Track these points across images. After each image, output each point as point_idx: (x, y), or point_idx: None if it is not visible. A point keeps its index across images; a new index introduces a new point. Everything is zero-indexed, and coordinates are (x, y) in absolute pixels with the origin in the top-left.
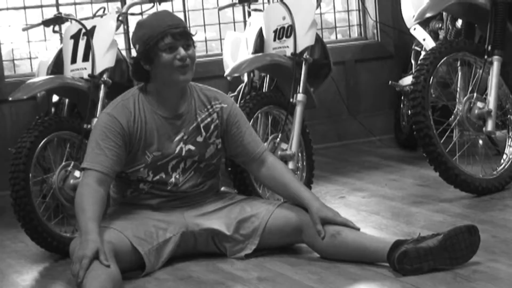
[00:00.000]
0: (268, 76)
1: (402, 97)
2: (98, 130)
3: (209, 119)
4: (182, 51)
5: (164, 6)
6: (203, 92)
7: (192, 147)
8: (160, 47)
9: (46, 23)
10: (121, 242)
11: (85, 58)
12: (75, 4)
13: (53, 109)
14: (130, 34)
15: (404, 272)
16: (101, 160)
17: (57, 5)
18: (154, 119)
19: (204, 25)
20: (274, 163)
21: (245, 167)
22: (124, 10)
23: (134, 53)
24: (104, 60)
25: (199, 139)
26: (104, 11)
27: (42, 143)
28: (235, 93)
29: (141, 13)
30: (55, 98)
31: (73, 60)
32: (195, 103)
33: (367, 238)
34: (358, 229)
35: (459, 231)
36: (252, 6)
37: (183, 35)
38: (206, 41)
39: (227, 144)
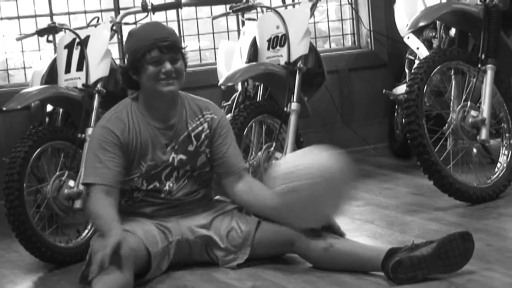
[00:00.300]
0: (262, 85)
1: (396, 106)
2: (95, 144)
3: (200, 128)
4: (168, 65)
5: (158, 16)
6: (194, 102)
7: (184, 157)
8: (146, 60)
9: (40, 32)
10: (139, 247)
11: (79, 68)
12: (69, 13)
13: (47, 119)
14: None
15: (399, 281)
16: (103, 172)
17: (51, 14)
18: (147, 129)
19: (198, 34)
20: (253, 180)
21: (220, 180)
22: (118, 19)
23: None
24: (98, 69)
25: (190, 148)
26: (98, 21)
27: (36, 153)
28: (229, 102)
29: (135, 23)
30: (49, 107)
31: (67, 70)
32: (186, 113)
33: (361, 247)
34: (344, 235)
35: (452, 238)
36: (246, 15)
37: (170, 49)
38: (200, 50)
39: (210, 154)
